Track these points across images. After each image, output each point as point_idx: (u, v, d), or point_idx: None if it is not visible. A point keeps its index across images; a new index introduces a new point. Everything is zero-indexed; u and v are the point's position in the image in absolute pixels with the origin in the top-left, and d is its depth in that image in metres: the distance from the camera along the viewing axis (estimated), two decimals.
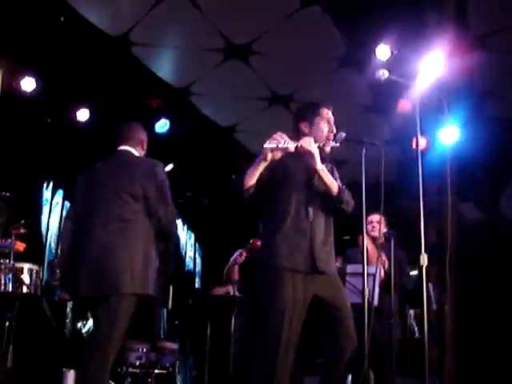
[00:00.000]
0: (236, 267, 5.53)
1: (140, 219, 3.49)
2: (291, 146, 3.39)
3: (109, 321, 3.36)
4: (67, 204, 8.23)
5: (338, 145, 3.53)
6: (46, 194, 7.98)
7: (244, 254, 5.52)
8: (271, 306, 3.38)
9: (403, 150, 8.01)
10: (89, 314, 6.90)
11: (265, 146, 3.35)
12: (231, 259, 5.79)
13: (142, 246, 3.44)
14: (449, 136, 7.02)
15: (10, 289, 4.37)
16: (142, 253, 3.43)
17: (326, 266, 3.46)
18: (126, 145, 3.76)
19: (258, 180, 3.46)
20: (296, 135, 3.55)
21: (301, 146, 3.44)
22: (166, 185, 3.61)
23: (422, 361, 3.16)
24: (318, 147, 3.53)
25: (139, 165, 3.67)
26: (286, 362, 3.31)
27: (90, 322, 5.78)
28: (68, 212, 3.90)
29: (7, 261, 4.41)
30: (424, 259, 2.83)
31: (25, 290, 4.36)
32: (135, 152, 3.79)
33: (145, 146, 3.92)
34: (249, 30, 6.30)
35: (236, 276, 5.59)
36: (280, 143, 3.35)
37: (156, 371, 5.59)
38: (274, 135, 3.37)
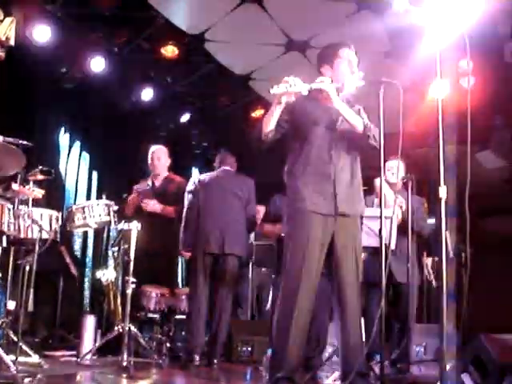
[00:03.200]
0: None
1: None
2: (303, 88, 3.34)
3: None
4: (84, 154, 8.27)
5: (362, 83, 3.48)
6: (64, 143, 8.00)
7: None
8: (292, 245, 3.46)
9: (422, 97, 7.88)
10: (108, 263, 7.02)
11: (272, 91, 3.32)
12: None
13: None
14: (469, 82, 6.87)
15: (29, 234, 4.42)
16: None
17: (348, 208, 3.52)
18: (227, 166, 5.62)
19: (278, 125, 3.47)
20: None
21: (316, 88, 3.40)
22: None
23: (438, 308, 3.17)
24: (341, 88, 3.49)
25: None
26: (306, 296, 3.38)
27: (110, 271, 5.86)
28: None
29: (26, 207, 4.44)
30: (443, 191, 2.77)
31: (44, 235, 4.40)
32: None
33: None
34: None
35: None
36: (290, 87, 3.30)
37: (175, 317, 5.69)
38: (284, 78, 3.33)
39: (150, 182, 5.96)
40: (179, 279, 8.34)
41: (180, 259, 7.61)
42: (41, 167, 4.55)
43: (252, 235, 6.70)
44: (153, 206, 5.69)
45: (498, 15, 6.34)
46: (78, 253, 7.88)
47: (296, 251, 3.43)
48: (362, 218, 3.78)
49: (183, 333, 5.68)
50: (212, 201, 5.36)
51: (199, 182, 5.50)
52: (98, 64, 7.34)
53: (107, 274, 5.81)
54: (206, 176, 5.66)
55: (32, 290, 4.41)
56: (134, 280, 4.84)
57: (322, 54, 3.74)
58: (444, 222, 2.79)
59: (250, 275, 6.88)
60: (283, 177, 3.66)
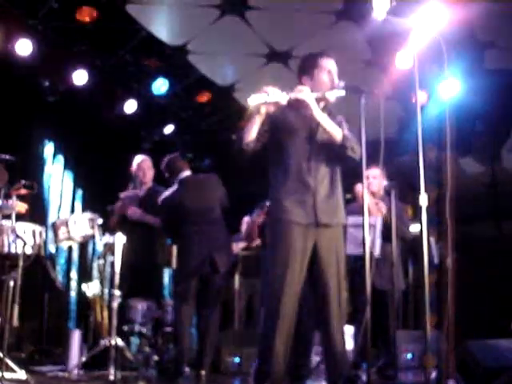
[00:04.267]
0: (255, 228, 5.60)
1: None
2: (282, 97, 3.36)
3: None
4: (68, 167, 8.25)
5: (342, 93, 3.49)
6: (47, 157, 7.97)
7: (261, 215, 5.57)
8: (274, 255, 3.48)
9: (403, 105, 7.95)
10: (94, 277, 6.98)
11: (250, 101, 3.33)
12: (248, 219, 5.83)
13: None
14: (449, 89, 6.96)
15: (13, 249, 4.39)
16: None
17: (329, 218, 3.52)
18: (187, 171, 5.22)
19: (259, 135, 3.48)
20: None
21: (294, 97, 3.42)
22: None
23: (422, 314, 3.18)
24: (319, 98, 3.51)
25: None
26: (290, 306, 3.40)
27: (95, 285, 5.83)
28: None
29: (9, 221, 4.42)
30: (424, 199, 2.80)
31: (28, 250, 4.38)
32: None
33: None
34: None
35: (256, 236, 5.68)
36: (269, 96, 3.32)
37: (163, 329, 5.66)
38: (263, 88, 3.35)
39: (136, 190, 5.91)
40: (166, 291, 8.32)
41: (167, 270, 7.59)
42: (24, 181, 4.52)
43: (239, 246, 6.70)
44: (140, 214, 5.65)
45: (477, 22, 6.42)
46: (63, 266, 7.84)
47: (278, 262, 3.44)
48: (345, 226, 3.80)
49: (171, 345, 5.66)
50: (192, 223, 5.03)
51: (170, 203, 5.16)
52: (81, 77, 7.33)
53: (93, 288, 5.78)
54: (170, 195, 5.19)
55: (17, 306, 4.38)
56: (120, 293, 4.83)
57: (301, 64, 3.76)
58: (425, 230, 2.81)
59: (237, 286, 6.87)
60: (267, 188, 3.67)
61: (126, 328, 5.36)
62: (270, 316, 3.41)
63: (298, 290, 3.43)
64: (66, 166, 8.23)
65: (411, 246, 5.45)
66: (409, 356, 6.16)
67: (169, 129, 8.94)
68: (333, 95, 3.53)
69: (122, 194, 5.82)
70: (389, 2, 5.84)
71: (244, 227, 6.79)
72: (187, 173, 5.26)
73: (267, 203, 5.32)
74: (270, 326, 3.38)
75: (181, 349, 4.98)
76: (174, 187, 5.21)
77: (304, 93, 3.42)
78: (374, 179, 5.10)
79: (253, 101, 3.32)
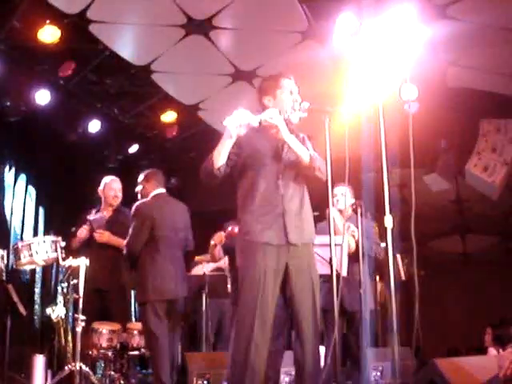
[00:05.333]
0: (218, 248, 5.70)
1: None
2: (254, 120, 3.37)
3: None
4: (30, 188, 8.10)
5: (305, 114, 3.52)
6: (8, 178, 7.82)
7: (221, 237, 5.60)
8: (247, 278, 3.43)
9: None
10: (58, 300, 6.83)
11: (225, 123, 3.34)
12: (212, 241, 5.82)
13: None
14: (411, 107, 7.03)
15: None
16: None
17: (298, 237, 3.50)
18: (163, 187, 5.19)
19: (228, 158, 3.46)
20: (262, 111, 3.53)
21: (264, 120, 3.42)
22: None
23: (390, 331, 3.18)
24: (285, 119, 3.52)
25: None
26: (263, 329, 3.35)
27: (59, 308, 5.70)
28: None
29: None
30: (389, 220, 2.80)
31: None
32: None
33: None
34: (209, 4, 6.19)
35: (219, 255, 5.79)
36: (242, 119, 3.33)
37: (128, 353, 5.55)
38: (236, 111, 3.35)
39: (104, 213, 5.80)
40: (132, 313, 8.18)
41: (133, 293, 7.46)
42: None
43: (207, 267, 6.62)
44: (108, 237, 5.55)
45: (439, 41, 6.52)
46: (25, 290, 7.66)
47: (250, 284, 3.40)
48: (313, 245, 3.78)
49: (137, 368, 5.54)
50: (160, 241, 4.98)
51: (144, 210, 5.03)
52: (43, 96, 7.26)
53: (57, 311, 5.66)
54: (146, 202, 5.10)
55: None
56: (84, 318, 4.73)
57: (263, 85, 3.77)
58: (391, 251, 2.81)
59: (204, 307, 6.78)
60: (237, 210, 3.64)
61: (90, 352, 5.24)
62: (242, 340, 3.35)
63: (271, 313, 3.39)
64: (28, 186, 8.09)
65: (378, 264, 5.44)
66: (377, 374, 6.13)
67: (133, 148, 8.88)
68: (296, 116, 3.56)
69: (90, 217, 5.69)
70: (352, 22, 5.92)
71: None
72: (162, 190, 5.22)
73: (229, 225, 5.34)
74: (242, 351, 3.33)
75: (163, 373, 4.82)
76: (147, 199, 5.14)
77: (275, 117, 3.42)
78: (341, 197, 5.09)
79: (228, 123, 3.32)
